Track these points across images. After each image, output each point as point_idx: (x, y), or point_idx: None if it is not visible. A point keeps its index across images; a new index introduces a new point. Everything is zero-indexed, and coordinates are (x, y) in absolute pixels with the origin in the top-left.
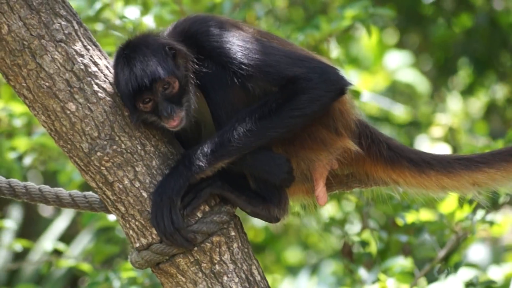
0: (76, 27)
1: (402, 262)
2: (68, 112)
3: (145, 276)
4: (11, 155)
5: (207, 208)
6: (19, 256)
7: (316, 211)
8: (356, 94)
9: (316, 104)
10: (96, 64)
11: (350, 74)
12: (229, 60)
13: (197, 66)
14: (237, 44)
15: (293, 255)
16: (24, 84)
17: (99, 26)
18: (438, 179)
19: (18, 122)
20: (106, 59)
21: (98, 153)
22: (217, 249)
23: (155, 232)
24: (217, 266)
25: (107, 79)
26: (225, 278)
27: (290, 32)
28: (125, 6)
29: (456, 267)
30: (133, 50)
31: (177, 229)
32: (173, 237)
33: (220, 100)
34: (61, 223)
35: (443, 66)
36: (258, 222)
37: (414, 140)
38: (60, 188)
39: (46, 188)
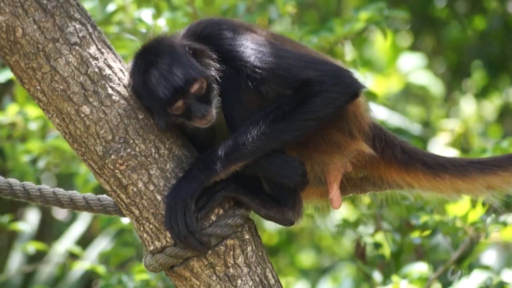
0: (91, 30)
1: (420, 268)
2: (83, 115)
3: (158, 278)
4: (25, 158)
5: (221, 211)
6: (35, 260)
7: (330, 214)
8: (371, 96)
9: (330, 107)
10: (110, 67)
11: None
12: (243, 63)
13: (217, 64)
14: (251, 48)
15: (307, 258)
16: (39, 87)
17: (112, 29)
18: (453, 182)
19: (33, 126)
20: (120, 62)
21: (112, 156)
22: (231, 252)
23: (169, 235)
24: (231, 269)
25: (121, 82)
26: (239, 281)
27: (304, 35)
28: (139, 9)
29: (469, 269)
30: (156, 54)
31: (191, 232)
32: (187, 240)
33: (234, 103)
34: (78, 227)
35: (457, 69)
36: (272, 225)
37: (427, 144)
38: (74, 191)
39: (60, 191)
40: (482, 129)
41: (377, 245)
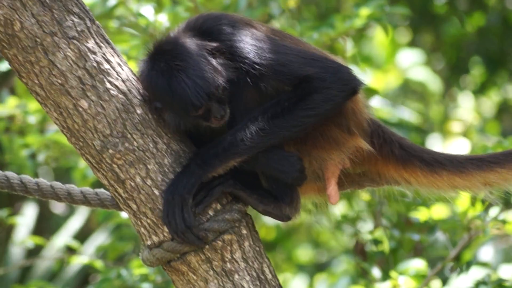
0: (89, 24)
1: (416, 264)
2: (81, 109)
3: (156, 273)
4: (24, 152)
5: (218, 207)
6: (32, 254)
7: (327, 210)
8: (370, 91)
9: (329, 104)
10: (108, 61)
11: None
12: (242, 59)
13: (231, 62)
14: (250, 43)
15: (304, 253)
16: (37, 81)
17: (113, 23)
18: (450, 179)
19: (32, 119)
20: (118, 56)
21: (110, 151)
22: (229, 247)
23: (166, 230)
24: (228, 264)
25: (119, 76)
26: (236, 276)
27: (304, 30)
28: (139, 3)
29: (467, 265)
30: (177, 57)
31: (188, 227)
32: (185, 235)
33: (233, 99)
34: (76, 221)
35: (455, 65)
36: (269, 220)
37: (425, 139)
38: (72, 185)
39: (58, 185)
40: (480, 126)
41: (376, 242)
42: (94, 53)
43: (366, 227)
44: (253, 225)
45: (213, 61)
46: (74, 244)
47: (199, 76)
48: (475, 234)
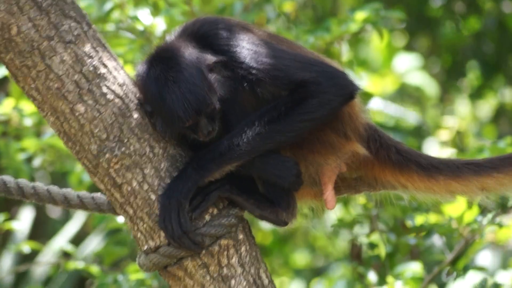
0: (86, 28)
1: (413, 267)
2: (77, 113)
3: (153, 278)
4: (20, 156)
5: (215, 211)
6: (28, 258)
7: (324, 214)
8: (367, 96)
9: (326, 109)
10: (105, 65)
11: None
12: (239, 64)
13: (230, 73)
14: (246, 48)
15: (301, 258)
16: (33, 86)
17: (109, 27)
18: (447, 184)
19: (28, 122)
20: (115, 60)
21: (107, 155)
22: (225, 252)
23: (163, 235)
24: (225, 269)
25: (116, 80)
26: (232, 281)
27: (300, 34)
28: (136, 7)
29: (464, 270)
30: (174, 68)
31: (185, 232)
32: (181, 240)
33: (229, 103)
34: (72, 226)
35: (452, 69)
36: (266, 225)
37: (422, 143)
38: (69, 189)
39: (54, 189)
40: (477, 130)
41: (372, 246)
42: (91, 57)
43: (362, 231)
44: (250, 230)
45: (210, 77)
46: (69, 248)
47: (191, 91)
48: (471, 238)
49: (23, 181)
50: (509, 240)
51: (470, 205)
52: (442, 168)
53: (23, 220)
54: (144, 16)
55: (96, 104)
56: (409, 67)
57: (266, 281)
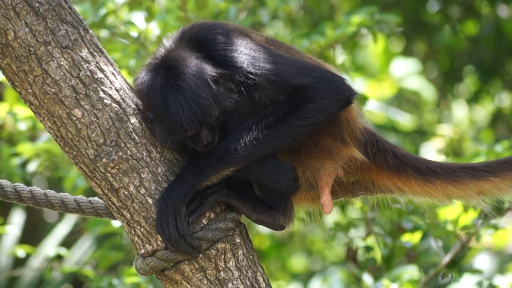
0: (82, 33)
1: (409, 270)
2: (74, 118)
3: (148, 282)
4: (15, 161)
5: (212, 215)
6: (20, 261)
7: (321, 218)
8: (363, 100)
9: (323, 114)
10: (102, 70)
11: (356, 82)
12: (236, 69)
13: (235, 87)
14: (244, 53)
15: (298, 262)
16: (30, 90)
17: (104, 33)
18: (444, 188)
19: (22, 126)
20: (112, 65)
21: (104, 160)
22: (222, 256)
23: (160, 239)
24: (222, 273)
25: (113, 85)
26: (230, 285)
27: (295, 38)
28: (130, 12)
29: (460, 272)
30: (177, 75)
31: (182, 236)
32: (178, 244)
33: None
34: (62, 228)
35: (449, 74)
36: (263, 229)
37: (419, 148)
38: (66, 194)
39: (51, 193)
40: (474, 134)
41: (368, 249)
42: (88, 62)
43: (358, 234)
44: (247, 233)
45: (215, 89)
46: (62, 251)
47: (195, 102)
48: (467, 241)
49: (20, 185)
50: (507, 245)
51: (465, 209)
52: (439, 172)
53: (15, 224)
54: (139, 21)
55: (93, 108)
56: (406, 72)
57: (263, 285)
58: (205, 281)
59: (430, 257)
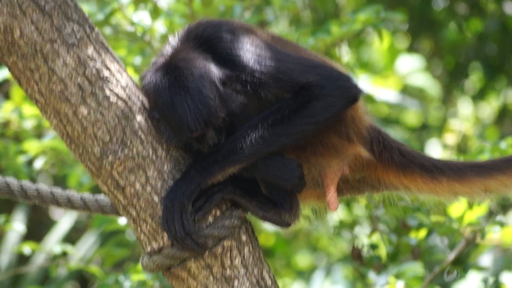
0: (88, 31)
1: (414, 267)
2: (80, 116)
3: (154, 279)
4: (21, 159)
5: (218, 213)
6: (24, 259)
7: (327, 216)
8: (369, 99)
9: (329, 111)
10: (108, 68)
11: (362, 79)
12: (242, 67)
13: (242, 88)
14: (250, 51)
15: (303, 259)
16: (36, 88)
17: (108, 30)
18: (450, 186)
19: (28, 124)
20: (118, 63)
21: (110, 158)
22: (228, 254)
23: (166, 236)
24: (228, 271)
25: (119, 83)
26: (236, 282)
27: (300, 36)
28: (136, 10)
29: (465, 269)
30: (186, 76)
31: (188, 234)
32: (184, 241)
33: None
34: (65, 224)
35: (455, 71)
36: (268, 226)
37: (424, 144)
38: (72, 191)
39: (57, 190)
40: (479, 131)
41: (373, 246)
42: (94, 60)
43: (363, 231)
44: (253, 231)
45: (222, 91)
46: (67, 248)
47: (203, 103)
48: (472, 238)
49: (27, 183)
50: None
51: (470, 206)
52: (445, 169)
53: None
54: (144, 18)
55: (99, 106)
56: (411, 68)
57: (269, 282)
58: (211, 279)
59: (435, 254)
